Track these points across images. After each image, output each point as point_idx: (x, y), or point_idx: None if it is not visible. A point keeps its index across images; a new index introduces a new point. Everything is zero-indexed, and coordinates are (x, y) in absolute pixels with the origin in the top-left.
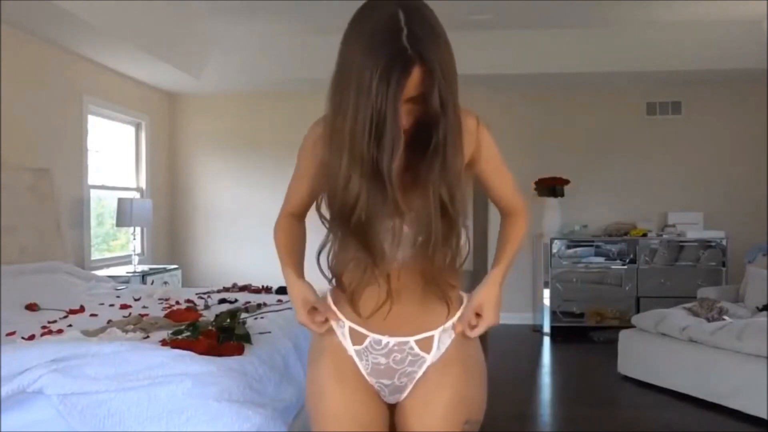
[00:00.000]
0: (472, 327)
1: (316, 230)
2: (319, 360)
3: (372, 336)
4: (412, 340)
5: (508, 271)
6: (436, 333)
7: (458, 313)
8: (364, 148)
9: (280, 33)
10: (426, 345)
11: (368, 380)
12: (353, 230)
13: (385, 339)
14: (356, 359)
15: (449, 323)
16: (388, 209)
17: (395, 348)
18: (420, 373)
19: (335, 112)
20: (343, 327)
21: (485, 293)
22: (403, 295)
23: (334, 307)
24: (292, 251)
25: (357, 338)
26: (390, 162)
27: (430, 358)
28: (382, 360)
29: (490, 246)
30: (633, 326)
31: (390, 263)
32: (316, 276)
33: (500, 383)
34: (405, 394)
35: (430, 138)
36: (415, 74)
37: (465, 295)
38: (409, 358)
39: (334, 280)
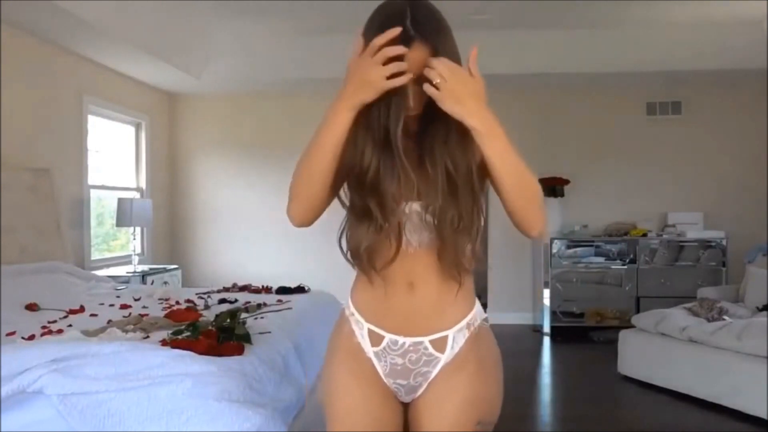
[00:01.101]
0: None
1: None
2: (336, 358)
3: (389, 336)
4: (426, 340)
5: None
6: (450, 333)
7: (473, 311)
8: (374, 118)
9: (280, 33)
10: (440, 345)
11: (385, 381)
12: (368, 191)
13: (401, 339)
14: (375, 361)
15: (464, 322)
16: (397, 176)
17: (411, 348)
18: (434, 373)
19: None
20: (362, 329)
21: None
22: (419, 290)
23: (354, 309)
24: None
25: (375, 340)
26: (396, 124)
27: (444, 358)
28: (399, 360)
29: (490, 248)
30: (633, 326)
31: (406, 246)
32: (338, 260)
33: None
34: (419, 393)
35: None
36: (419, 52)
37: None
38: (424, 358)
39: (349, 254)
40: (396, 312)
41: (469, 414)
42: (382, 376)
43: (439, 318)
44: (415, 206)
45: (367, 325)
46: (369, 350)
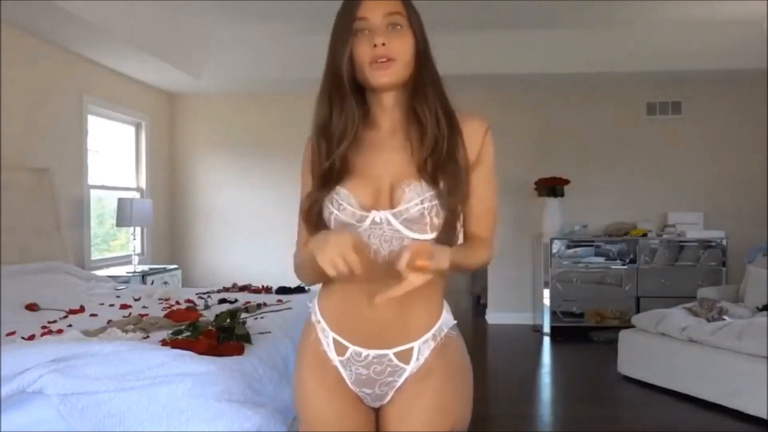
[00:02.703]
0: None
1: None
2: (304, 364)
3: (352, 348)
4: (390, 353)
5: (456, 261)
6: (415, 345)
7: (439, 322)
8: (341, 123)
9: (280, 33)
10: (405, 356)
11: (352, 388)
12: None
13: (365, 352)
14: (341, 368)
15: (429, 334)
16: (369, 182)
17: (375, 360)
18: (400, 382)
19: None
20: (327, 337)
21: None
22: (384, 302)
23: (320, 316)
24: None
25: (340, 349)
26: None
27: (409, 369)
28: (363, 371)
29: None
30: (633, 326)
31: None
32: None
33: (500, 383)
34: (386, 401)
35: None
36: (377, 7)
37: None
38: (389, 369)
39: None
40: (360, 323)
41: (438, 422)
42: (349, 384)
43: (404, 330)
44: (386, 215)
45: (331, 334)
46: (335, 359)
